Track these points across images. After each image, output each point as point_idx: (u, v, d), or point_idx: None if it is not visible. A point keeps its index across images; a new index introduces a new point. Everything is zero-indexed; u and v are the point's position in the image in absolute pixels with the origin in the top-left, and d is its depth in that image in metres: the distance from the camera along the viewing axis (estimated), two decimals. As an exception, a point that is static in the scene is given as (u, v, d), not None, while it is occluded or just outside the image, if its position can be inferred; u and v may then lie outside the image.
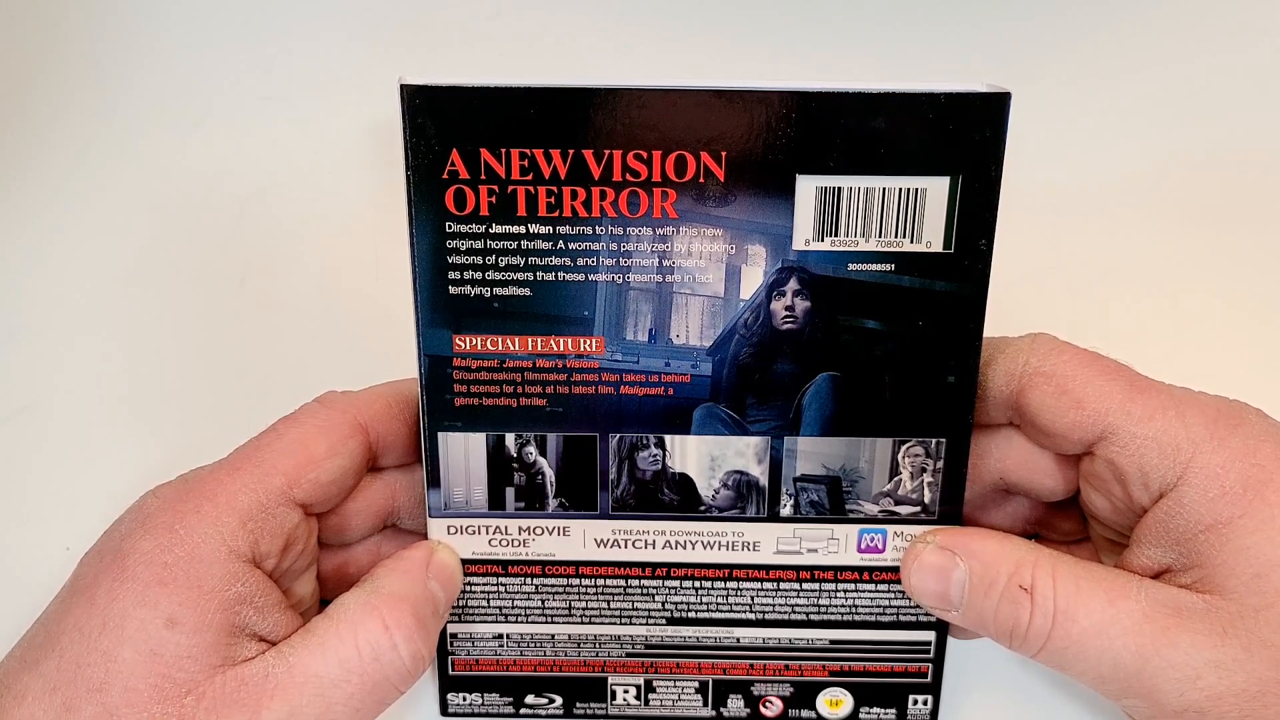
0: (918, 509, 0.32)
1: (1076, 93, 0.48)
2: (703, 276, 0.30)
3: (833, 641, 0.34)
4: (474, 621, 0.34)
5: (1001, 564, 0.30)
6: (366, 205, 0.42)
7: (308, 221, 0.43)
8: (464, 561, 0.33)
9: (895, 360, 0.31)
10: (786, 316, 0.31)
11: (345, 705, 0.28)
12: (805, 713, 0.35)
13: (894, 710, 0.35)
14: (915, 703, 0.35)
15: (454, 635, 0.34)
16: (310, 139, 0.44)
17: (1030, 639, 0.29)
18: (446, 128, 0.28)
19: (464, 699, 0.35)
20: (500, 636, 0.34)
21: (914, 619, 0.34)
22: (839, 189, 0.29)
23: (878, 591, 0.33)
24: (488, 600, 0.34)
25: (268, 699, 0.27)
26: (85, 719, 0.26)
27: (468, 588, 0.34)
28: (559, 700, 0.35)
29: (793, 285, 0.30)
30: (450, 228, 0.30)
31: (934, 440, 0.32)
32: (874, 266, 0.30)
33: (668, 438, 0.32)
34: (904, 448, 0.32)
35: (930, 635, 0.34)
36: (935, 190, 0.29)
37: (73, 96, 0.43)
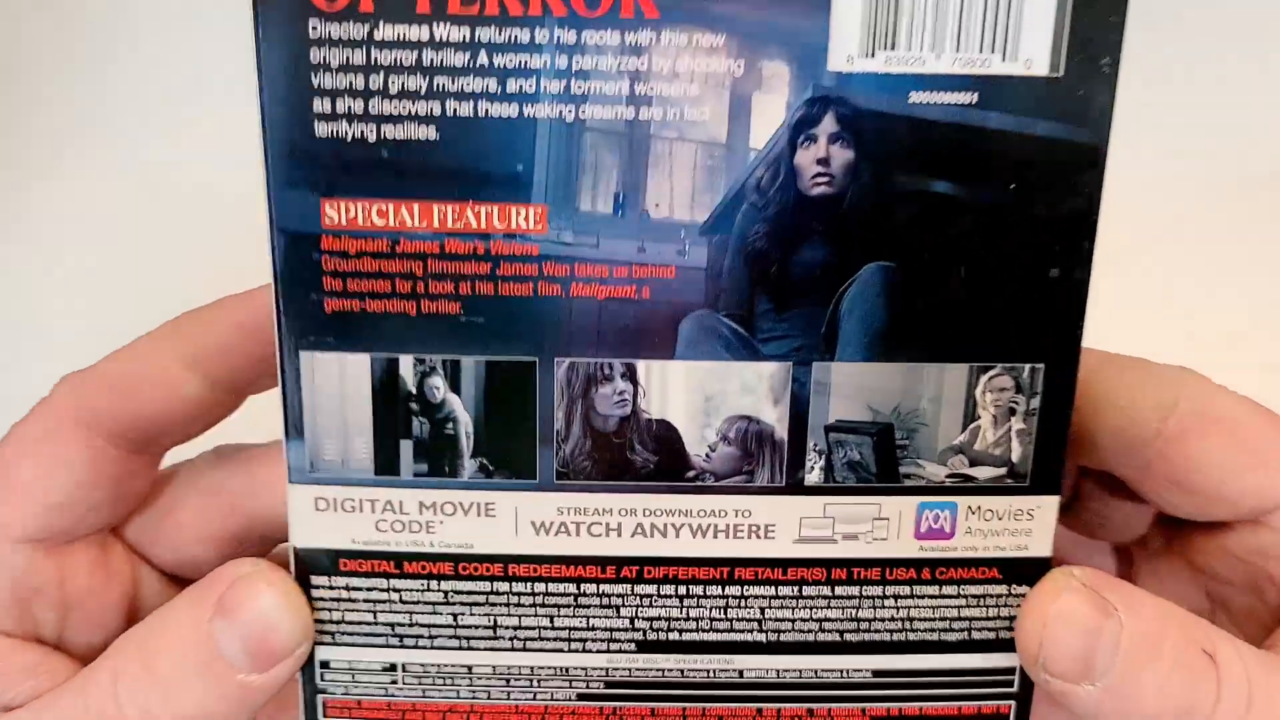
0: (1002, 470, 0.22)
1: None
2: (694, 111, 0.20)
3: (877, 673, 0.24)
4: (355, 644, 0.23)
5: (1179, 620, 0.22)
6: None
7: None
8: (342, 554, 0.23)
9: (975, 244, 0.21)
10: (819, 175, 0.21)
11: None
12: (836, 780, 0.24)
13: (964, 774, 0.24)
14: (994, 762, 0.24)
15: (325, 663, 0.23)
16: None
17: None
18: None
19: (339, 764, 0.24)
20: (393, 667, 0.24)
21: (993, 636, 0.23)
22: (900, -28, 0.20)
23: (943, 597, 0.23)
24: (374, 614, 0.23)
25: None
26: None
27: (346, 592, 0.23)
28: (480, 766, 0.24)
29: (828, 126, 0.20)
30: (315, 30, 0.20)
31: (1028, 367, 0.22)
32: (948, 98, 0.20)
33: (641, 365, 0.22)
34: (985, 378, 0.22)
35: (1015, 660, 0.24)
36: (1041, -22, 0.20)
37: (73, 96, 0.42)
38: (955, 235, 0.21)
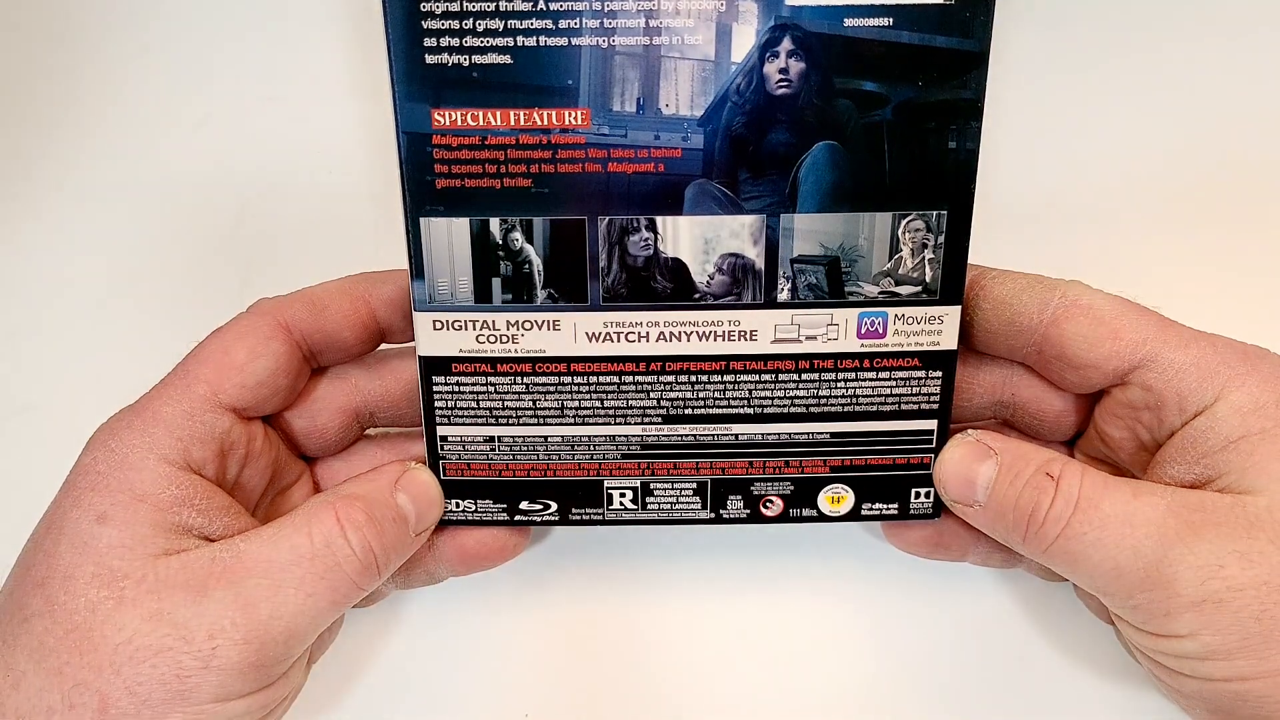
0: (919, 289, 0.31)
1: (1071, 94, 0.44)
2: (692, 37, 0.29)
3: (834, 434, 0.33)
4: (464, 424, 0.33)
5: (1033, 456, 0.31)
6: (366, 205, 0.41)
7: (308, 221, 0.42)
8: (453, 359, 0.32)
9: (894, 125, 0.29)
10: (781, 80, 0.29)
11: (297, 589, 0.29)
12: (806, 511, 0.34)
13: (896, 505, 0.34)
14: (918, 496, 0.34)
15: (444, 438, 0.33)
16: (310, 139, 0.43)
17: (1048, 524, 0.30)
18: None
19: (457, 505, 0.34)
20: (491, 439, 0.33)
21: (916, 407, 0.33)
22: (834, -68, 0.28)
23: (879, 380, 0.32)
24: (476, 401, 0.33)
25: (214, 580, 0.28)
26: (31, 612, 0.28)
27: (457, 387, 0.33)
28: (554, 506, 0.34)
29: (786, 45, 0.29)
30: (424, -8, 0.28)
31: (935, 213, 0.30)
32: (871, 21, 0.29)
33: (659, 219, 0.31)
34: (904, 222, 0.31)
35: (932, 425, 0.33)
36: (935, -68, 0.28)
37: (73, 96, 0.42)
38: (880, 120, 0.29)
